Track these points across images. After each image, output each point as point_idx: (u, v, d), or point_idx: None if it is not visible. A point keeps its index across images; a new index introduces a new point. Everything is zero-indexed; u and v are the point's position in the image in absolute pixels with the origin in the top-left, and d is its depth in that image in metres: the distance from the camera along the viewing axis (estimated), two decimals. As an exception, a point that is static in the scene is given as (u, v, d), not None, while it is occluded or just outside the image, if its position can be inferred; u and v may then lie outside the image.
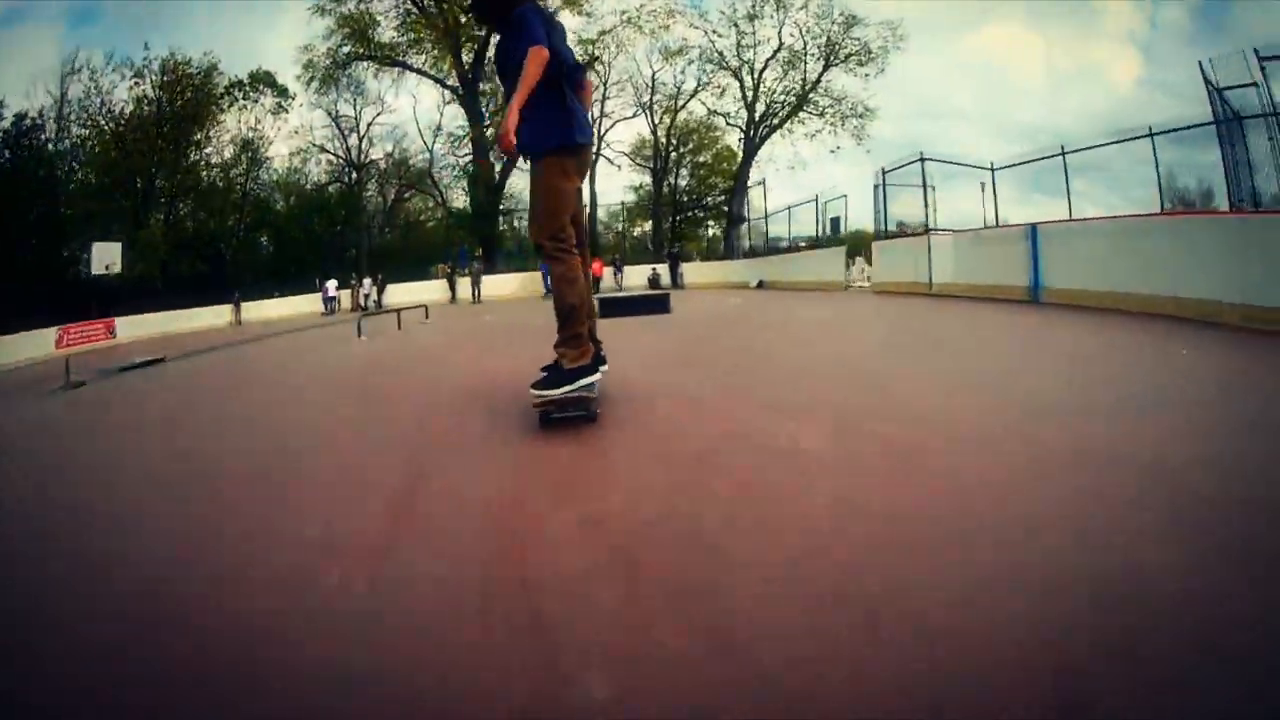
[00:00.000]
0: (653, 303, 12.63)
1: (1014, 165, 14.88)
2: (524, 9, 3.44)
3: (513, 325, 12.00)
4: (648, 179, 39.38)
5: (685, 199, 39.18)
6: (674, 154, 38.48)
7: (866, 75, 33.35)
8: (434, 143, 37.93)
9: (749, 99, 35.21)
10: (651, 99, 37.30)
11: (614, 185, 52.26)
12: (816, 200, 21.91)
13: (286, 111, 37.64)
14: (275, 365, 9.38)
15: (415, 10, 33.99)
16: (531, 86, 3.21)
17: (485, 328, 11.08)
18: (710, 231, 38.85)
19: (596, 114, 37.20)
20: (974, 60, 50.52)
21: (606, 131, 37.76)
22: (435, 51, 34.54)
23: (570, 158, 3.50)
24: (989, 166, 15.46)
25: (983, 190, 15.73)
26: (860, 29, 33.18)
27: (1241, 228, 8.42)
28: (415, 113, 44.88)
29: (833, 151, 27.93)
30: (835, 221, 20.03)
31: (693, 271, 29.61)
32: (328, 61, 35.06)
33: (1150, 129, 11.39)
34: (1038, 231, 11.72)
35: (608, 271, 29.80)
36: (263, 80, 37.22)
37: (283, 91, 37.45)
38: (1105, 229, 10.81)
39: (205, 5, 39.86)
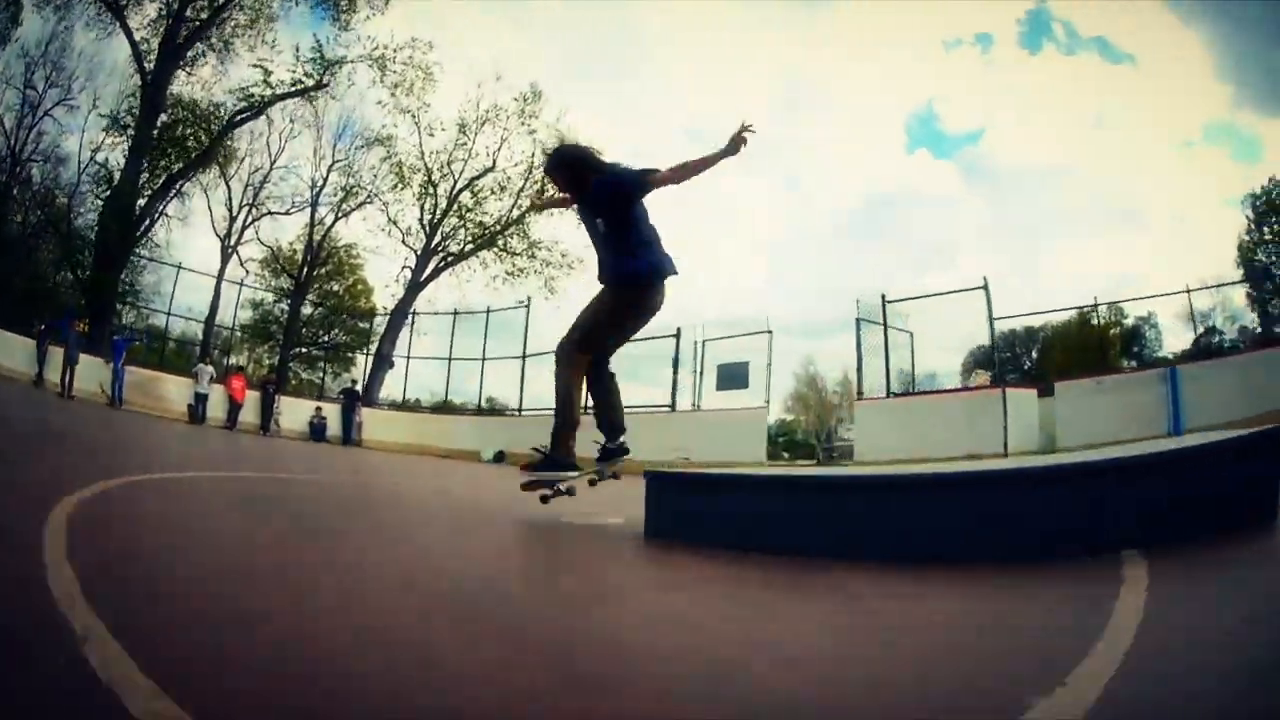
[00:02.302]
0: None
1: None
2: (614, 166, 4.08)
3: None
4: (269, 297, 30.13)
5: (304, 331, 30.13)
6: (318, 271, 29.82)
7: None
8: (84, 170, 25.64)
9: (434, 218, 28.69)
10: (320, 193, 28.67)
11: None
12: (678, 337, 16.46)
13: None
14: None
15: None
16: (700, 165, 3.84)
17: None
18: (326, 375, 30.00)
19: (249, 199, 28.14)
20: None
21: (251, 223, 28.25)
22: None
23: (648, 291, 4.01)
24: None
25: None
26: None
27: None
28: (86, 123, 27.94)
29: (521, 303, 22.90)
30: (737, 372, 15.65)
31: (380, 423, 21.46)
32: None
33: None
34: (1178, 373, 11.97)
35: (251, 397, 19.96)
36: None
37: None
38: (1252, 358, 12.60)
39: None
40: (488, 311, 22.42)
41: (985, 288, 14.16)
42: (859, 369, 14.37)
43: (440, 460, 16.44)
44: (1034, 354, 34.57)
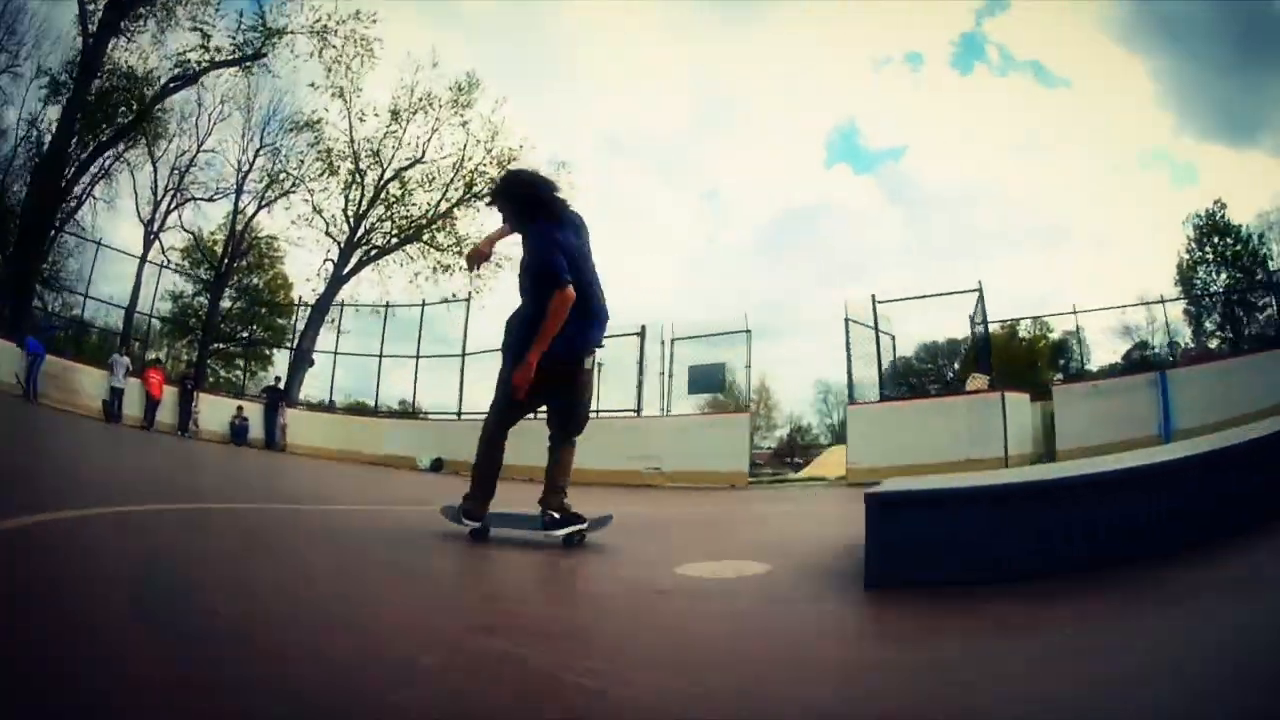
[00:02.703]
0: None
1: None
2: (543, 227, 3.72)
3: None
4: (189, 289, 28.43)
5: (223, 326, 28.16)
6: (239, 263, 27.91)
7: None
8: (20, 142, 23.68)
9: (359, 209, 27.09)
10: (245, 177, 26.70)
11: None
12: (641, 335, 14.94)
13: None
14: None
15: None
16: (553, 335, 3.55)
17: None
18: (243, 373, 28.60)
19: (174, 184, 26.62)
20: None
21: (174, 207, 26.48)
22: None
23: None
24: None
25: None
26: (523, 166, 27.26)
27: None
28: (27, 92, 24.45)
29: (446, 301, 21.54)
30: (711, 374, 14.45)
31: (305, 425, 19.46)
32: None
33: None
34: (1167, 378, 12.00)
35: (170, 393, 18.05)
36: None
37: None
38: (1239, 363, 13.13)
39: None
40: (423, 305, 20.54)
41: (979, 290, 13.86)
42: (849, 372, 13.45)
43: (389, 469, 15.25)
44: (956, 366, 34.74)
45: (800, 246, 60.64)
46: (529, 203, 3.81)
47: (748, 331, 14.12)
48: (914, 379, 29.12)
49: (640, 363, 14.78)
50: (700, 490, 11.86)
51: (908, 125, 54.31)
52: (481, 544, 3.85)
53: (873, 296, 13.65)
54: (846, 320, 13.50)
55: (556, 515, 3.81)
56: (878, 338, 13.75)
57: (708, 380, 14.29)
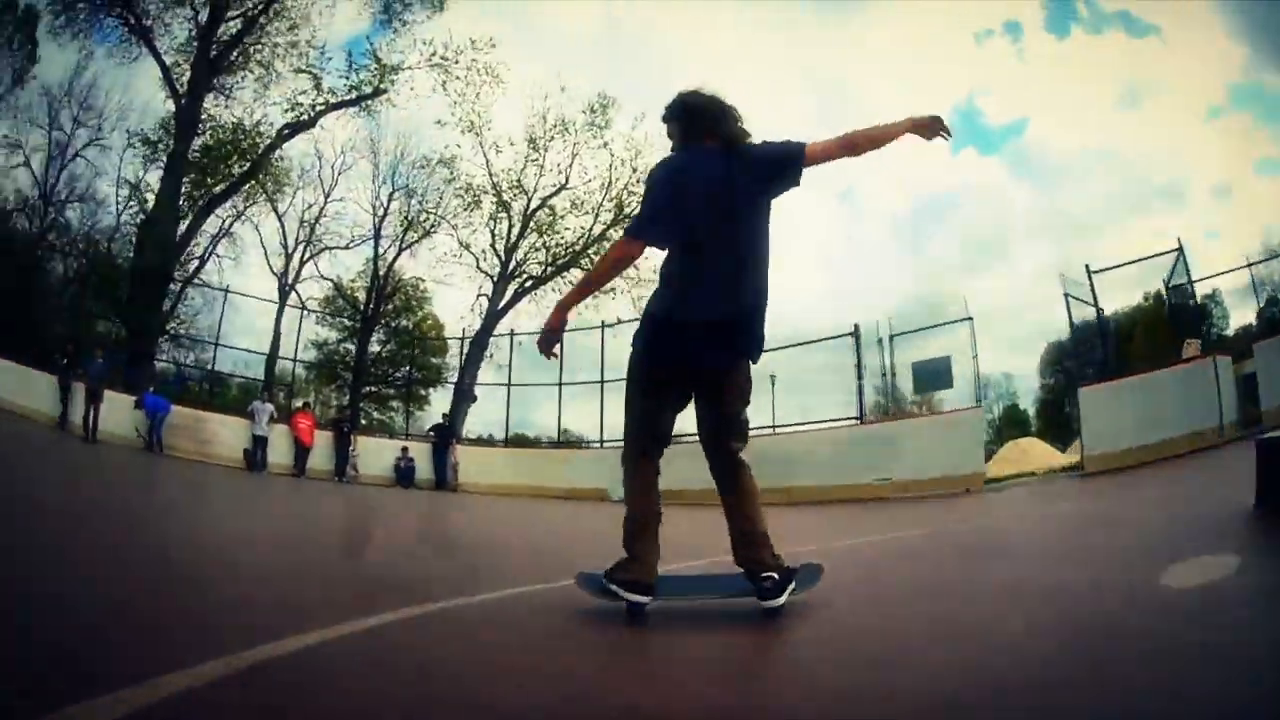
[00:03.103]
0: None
1: None
2: (666, 161, 3.02)
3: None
4: (333, 335, 28.94)
5: (373, 369, 28.41)
6: (384, 307, 28.15)
7: None
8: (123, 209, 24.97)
9: (509, 241, 26.86)
10: (381, 223, 27.00)
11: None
12: (856, 336, 14.08)
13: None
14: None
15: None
16: (593, 285, 3.08)
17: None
18: (396, 415, 28.48)
19: (305, 237, 27.19)
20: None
21: (309, 258, 27.13)
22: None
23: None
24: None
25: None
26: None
27: None
28: (121, 161, 25.73)
29: (610, 326, 19.82)
30: (938, 369, 13.39)
31: (478, 463, 18.90)
32: None
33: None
34: None
35: (322, 438, 17.61)
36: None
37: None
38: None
39: None
40: (602, 326, 19.56)
41: (1180, 250, 13.45)
42: (1073, 352, 12.95)
43: (579, 504, 14.91)
44: (1109, 344, 33.38)
45: (937, 236, 59.06)
46: (678, 130, 3.01)
47: (969, 319, 13.25)
48: (1069, 362, 28.10)
49: (859, 365, 13.93)
50: (940, 498, 11.10)
51: (1022, 98, 52.44)
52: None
53: (1086, 267, 13.11)
54: (1067, 296, 12.85)
55: (776, 575, 2.70)
56: (1099, 311, 13.32)
57: (935, 377, 13.33)
